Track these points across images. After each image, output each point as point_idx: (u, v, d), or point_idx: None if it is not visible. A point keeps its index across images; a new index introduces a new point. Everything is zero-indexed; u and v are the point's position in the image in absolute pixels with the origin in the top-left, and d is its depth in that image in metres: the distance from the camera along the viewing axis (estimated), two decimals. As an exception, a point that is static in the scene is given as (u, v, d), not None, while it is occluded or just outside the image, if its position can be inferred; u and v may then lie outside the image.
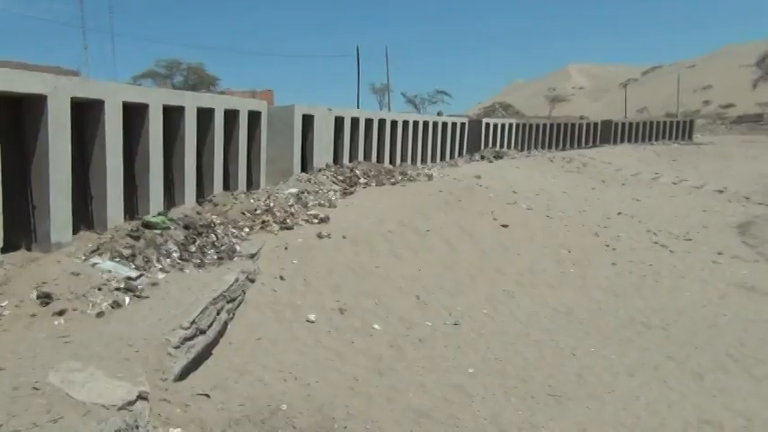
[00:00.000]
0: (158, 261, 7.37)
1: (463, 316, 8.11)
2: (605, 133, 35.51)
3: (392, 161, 19.13)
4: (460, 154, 24.53)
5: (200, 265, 7.64)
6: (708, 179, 25.62)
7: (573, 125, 34.13)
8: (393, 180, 15.78)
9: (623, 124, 37.44)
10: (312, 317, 7.29)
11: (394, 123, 19.40)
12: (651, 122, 39.68)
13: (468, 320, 7.99)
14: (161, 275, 7.03)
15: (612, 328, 8.37)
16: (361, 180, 15.08)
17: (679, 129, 40.08)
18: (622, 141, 35.94)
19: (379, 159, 18.33)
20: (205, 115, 10.75)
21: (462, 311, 8.27)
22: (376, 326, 7.37)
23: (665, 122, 40.41)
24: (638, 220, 15.98)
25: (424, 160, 21.36)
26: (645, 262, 11.88)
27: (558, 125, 32.98)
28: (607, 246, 12.88)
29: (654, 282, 10.73)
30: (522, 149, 28.95)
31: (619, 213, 16.40)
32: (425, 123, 21.66)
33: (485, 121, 27.72)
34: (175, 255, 7.67)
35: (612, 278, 10.77)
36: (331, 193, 13.21)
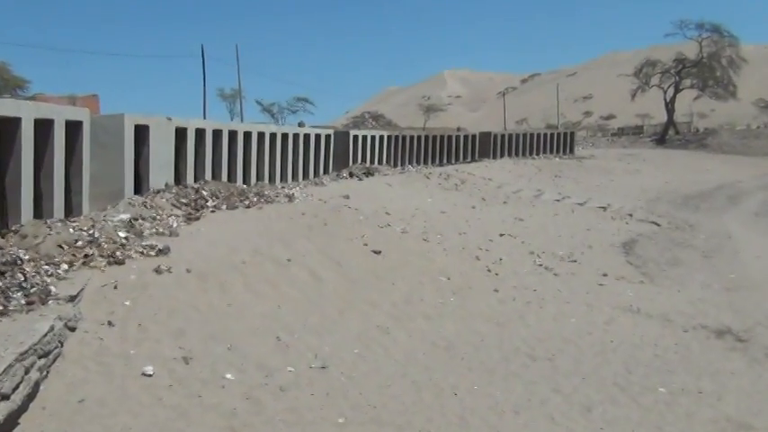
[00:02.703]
0: (-55, 310, 6.74)
1: (331, 357, 8.11)
2: (484, 146, 37.35)
3: (246, 180, 18.90)
4: (326, 171, 24.72)
5: (3, 313, 7.08)
6: (590, 195, 27.65)
7: (450, 138, 35.60)
8: (247, 202, 15.58)
9: (503, 136, 39.62)
10: (149, 369, 6.98)
11: (247, 136, 19.20)
12: (532, 135, 42.34)
13: (337, 362, 8.01)
14: (-51, 328, 6.43)
15: (496, 362, 8.75)
16: (209, 203, 14.76)
17: (560, 142, 43.08)
18: (502, 155, 37.98)
19: (231, 178, 18.05)
20: (7, 126, 10.04)
21: (330, 352, 8.28)
22: (228, 375, 7.18)
23: (545, 135, 43.27)
24: (521, 240, 16.89)
25: (283, 178, 21.29)
26: (528, 287, 12.56)
27: (435, 137, 34.25)
28: (489, 270, 13.48)
29: (538, 308, 11.36)
30: (395, 165, 29.70)
31: (501, 234, 17.23)
32: (284, 136, 21.63)
33: (353, 132, 28.19)
34: (-31, 301, 7.05)
35: (495, 306, 11.27)
36: (172, 218, 12.78)
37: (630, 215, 23.09)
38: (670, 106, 66.52)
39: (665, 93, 67.19)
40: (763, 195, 30.74)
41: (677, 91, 66.59)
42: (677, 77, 66.29)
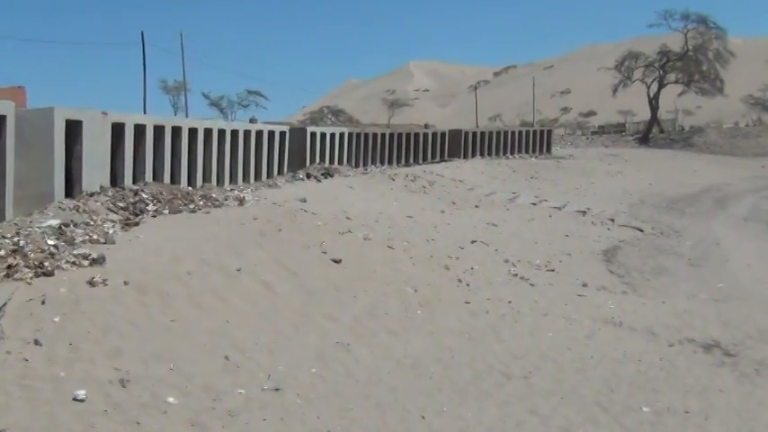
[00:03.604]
0: None
1: (286, 378, 8.06)
2: (455, 145, 37.59)
3: (191, 182, 18.74)
4: (280, 171, 24.62)
5: None
6: (569, 198, 28.00)
7: (417, 135, 35.76)
8: (192, 206, 15.45)
9: (475, 134, 39.93)
10: (81, 394, 6.85)
11: (193, 132, 19.04)
12: (506, 132, 42.77)
13: (292, 383, 7.96)
14: None
15: (468, 381, 8.78)
16: (150, 207, 14.61)
17: (536, 140, 43.57)
18: (474, 155, 38.27)
19: (174, 180, 17.88)
20: None
21: (285, 372, 8.22)
22: (171, 399, 7.09)
23: (521, 133, 43.72)
24: (495, 248, 17.02)
25: (233, 180, 21.14)
26: (503, 298, 12.65)
27: (400, 135, 34.36)
28: (460, 281, 13.54)
29: (513, 321, 11.45)
30: (357, 165, 29.72)
31: (472, 241, 17.34)
32: (234, 133, 21.49)
33: (310, 129, 28.13)
34: None
35: (467, 320, 11.32)
36: (108, 224, 12.61)
37: (612, 220, 23.41)
38: (654, 102, 67.72)
39: (648, 88, 68.35)
40: (753, 198, 31.44)
41: (661, 86, 67.77)
42: (661, 71, 67.46)
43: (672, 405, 8.39)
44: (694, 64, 66.67)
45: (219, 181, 20.22)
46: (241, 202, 17.03)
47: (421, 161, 34.52)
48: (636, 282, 15.29)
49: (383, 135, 33.10)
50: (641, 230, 22.05)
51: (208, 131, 19.83)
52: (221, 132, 20.62)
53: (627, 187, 33.03)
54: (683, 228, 23.07)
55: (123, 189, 15.21)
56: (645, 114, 77.66)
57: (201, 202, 15.91)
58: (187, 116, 49.33)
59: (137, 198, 14.83)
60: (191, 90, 62.28)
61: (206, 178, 19.63)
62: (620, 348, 10.45)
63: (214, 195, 16.93)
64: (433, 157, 35.94)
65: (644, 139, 65.95)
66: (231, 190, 19.22)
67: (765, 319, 12.22)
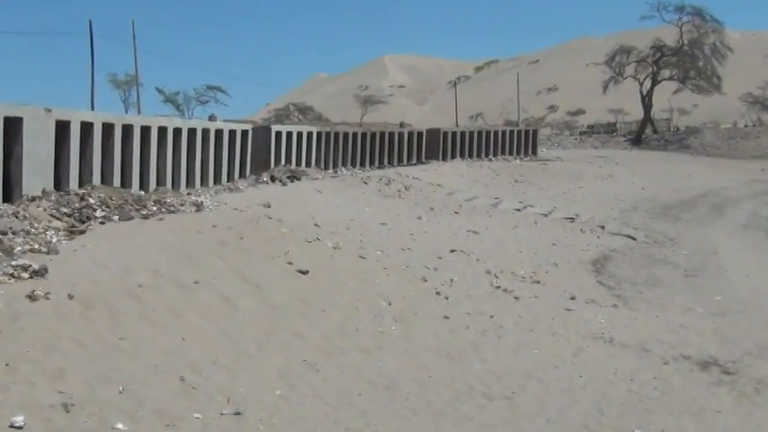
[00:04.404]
0: None
1: (247, 401, 8.01)
2: (433, 146, 37.69)
3: (144, 185, 18.63)
4: (242, 174, 24.53)
5: None
6: (556, 204, 28.20)
7: (392, 135, 35.80)
8: (145, 212, 15.35)
9: (454, 134, 40.06)
10: (19, 420, 6.75)
11: (146, 131, 18.94)
12: (488, 132, 42.97)
13: (254, 407, 7.91)
14: None
15: (446, 403, 8.79)
16: (98, 213, 14.50)
17: (521, 141, 43.84)
18: (454, 156, 38.39)
19: (125, 183, 17.78)
20: None
21: (246, 395, 8.17)
22: (120, 425, 7.01)
23: (504, 133, 43.95)
24: (476, 258, 17.08)
25: (190, 183, 21.04)
26: (485, 313, 12.69)
27: (374, 135, 34.39)
28: (438, 293, 13.57)
29: (496, 338, 11.49)
30: (326, 167, 29.70)
31: (452, 251, 17.38)
32: (192, 132, 21.40)
33: (275, 128, 28.05)
34: None
35: (445, 336, 11.34)
36: (51, 232, 12.48)
37: (602, 227, 23.61)
38: (647, 101, 68.32)
39: (641, 85, 68.95)
40: (752, 204, 31.85)
41: (655, 83, 68.41)
42: (655, 67, 68.12)
43: (666, 427, 8.46)
44: (690, 59, 67.40)
45: (175, 184, 20.10)
46: (199, 207, 16.92)
47: (396, 163, 34.56)
48: (628, 294, 15.42)
49: (355, 135, 33.11)
50: (633, 239, 22.25)
51: (162, 130, 19.72)
52: (177, 131, 20.52)
53: (618, 192, 33.30)
54: (678, 236, 23.33)
55: (68, 193, 15.08)
56: (637, 113, 78.42)
57: (155, 208, 15.80)
58: (139, 113, 48.92)
59: (83, 203, 14.70)
60: (143, 85, 61.93)
61: (160, 181, 19.51)
62: (610, 366, 10.53)
63: (169, 200, 16.81)
64: (410, 158, 36.01)
65: (636, 140, 66.53)
66: (188, 194, 19.10)
67: (766, 333, 12.38)
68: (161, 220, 15.00)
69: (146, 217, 15.10)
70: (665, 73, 69.13)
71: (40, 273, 10.08)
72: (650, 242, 21.97)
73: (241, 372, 8.81)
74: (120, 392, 7.64)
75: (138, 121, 19.12)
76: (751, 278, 17.26)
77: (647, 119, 70.08)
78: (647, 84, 68.53)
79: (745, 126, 75.87)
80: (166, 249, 12.43)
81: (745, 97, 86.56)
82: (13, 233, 11.85)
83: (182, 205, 16.70)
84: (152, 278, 10.81)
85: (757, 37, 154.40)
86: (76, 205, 14.49)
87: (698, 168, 46.72)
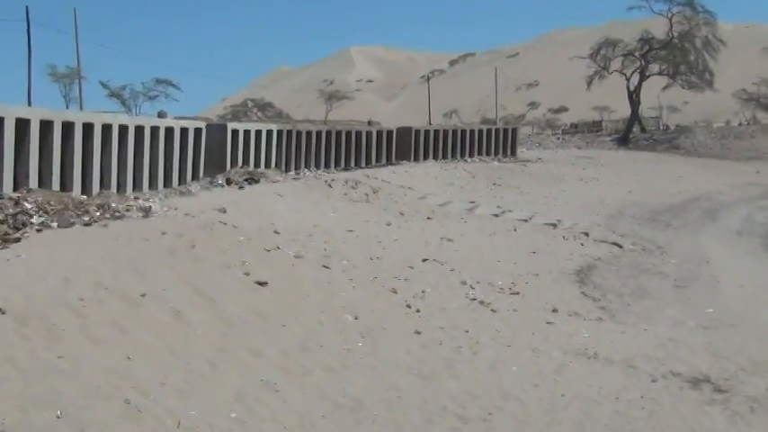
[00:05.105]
0: None
1: (200, 425, 7.96)
2: (404, 146, 37.76)
3: (86, 189, 18.51)
4: (195, 176, 24.40)
5: None
6: (537, 209, 28.35)
7: (360, 134, 35.80)
8: (87, 218, 15.23)
9: (427, 133, 40.17)
10: (-56, 448, 6.66)
11: (88, 129, 18.80)
12: (464, 131, 43.13)
13: (207, 431, 7.87)
14: None
15: (417, 425, 8.78)
16: (35, 219, 14.36)
17: (499, 140, 44.06)
18: (426, 157, 38.49)
19: (65, 186, 17.65)
20: None
21: (198, 419, 8.12)
22: (58, 453, 6.94)
23: (481, 131, 44.16)
24: (450, 267, 17.11)
25: (137, 186, 20.90)
26: (459, 327, 12.71)
27: (339, 133, 34.37)
28: (409, 307, 13.57)
29: (472, 354, 11.51)
30: (287, 169, 29.61)
31: (424, 260, 17.41)
32: (139, 129, 21.28)
33: (232, 126, 27.93)
34: None
35: (417, 352, 11.33)
36: (-19, 240, 12.35)
37: (586, 234, 23.76)
38: (634, 97, 68.97)
39: (627, 80, 69.63)
40: (746, 209, 32.24)
41: (643, 78, 69.10)
42: (643, 61, 68.80)
43: (655, 450, 8.52)
44: (680, 53, 68.07)
45: (120, 188, 19.97)
46: (146, 213, 16.80)
47: (363, 164, 34.56)
48: (614, 306, 15.52)
49: (319, 133, 33.07)
50: (620, 246, 22.41)
51: (107, 128, 19.58)
52: (123, 129, 20.38)
53: (603, 196, 33.55)
54: (668, 243, 23.54)
55: (1, 197, 14.99)
56: (624, 111, 79.15)
57: (98, 214, 15.67)
58: (82, 109, 48.59)
59: (18, 209, 14.58)
60: (86, 78, 61.29)
61: (104, 184, 19.38)
62: (594, 384, 10.59)
63: (114, 205, 16.68)
64: (378, 159, 36.02)
65: (623, 139, 67.10)
66: (135, 199, 18.96)
67: (761, 349, 12.53)
68: (105, 226, 14.87)
69: (88, 223, 14.97)
70: (654, 68, 69.88)
71: (-31, 285, 9.97)
72: (638, 250, 22.14)
73: (192, 393, 8.75)
74: (59, 417, 7.56)
75: (79, 118, 18.96)
76: (745, 289, 17.47)
77: (635, 117, 70.76)
78: (635, 79, 69.16)
79: (740, 125, 76.85)
80: (110, 259, 12.33)
81: (739, 94, 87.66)
82: (-60, 241, 11.71)
83: (128, 210, 16.59)
84: (94, 291, 10.72)
85: (751, 30, 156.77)
86: (10, 211, 14.35)
87: (689, 170, 47.21)
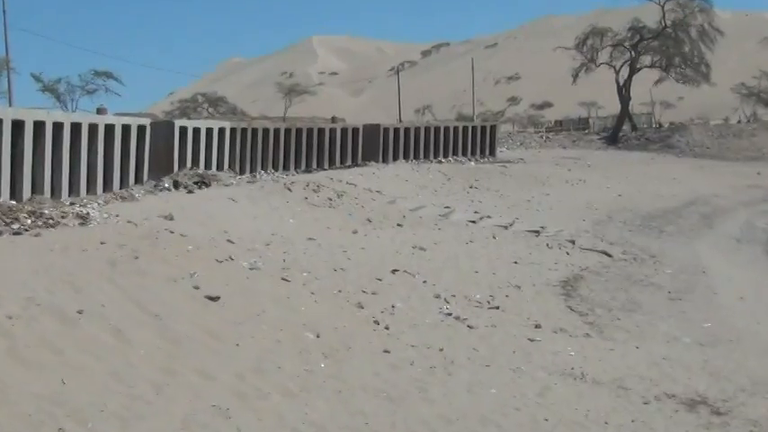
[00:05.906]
0: None
1: (143, 457, 7.91)
2: (371, 145, 37.77)
3: (15, 194, 18.36)
4: (138, 179, 24.25)
5: None
6: (518, 214, 28.47)
7: (322, 132, 35.80)
8: (17, 226, 15.12)
9: (397, 131, 40.21)
10: None
11: (18, 126, 18.66)
12: (438, 129, 43.24)
13: (151, 464, 7.81)
14: None
15: (386, 455, 8.77)
16: (-43, 227, 14.24)
17: (477, 139, 44.24)
18: (396, 158, 38.56)
19: (-8, 190, 17.46)
20: None
21: (142, 449, 8.06)
22: (-17, 490, 6.86)
23: (456, 129, 44.29)
24: (423, 279, 17.13)
25: (74, 191, 20.75)
26: (433, 345, 12.70)
27: (300, 131, 34.35)
28: (377, 323, 13.55)
29: (446, 375, 11.50)
30: (242, 171, 29.54)
31: (394, 271, 17.41)
32: (76, 127, 21.14)
33: (180, 123, 27.86)
34: None
35: (385, 374, 11.31)
36: None
37: (572, 242, 23.89)
38: (624, 92, 69.49)
39: (617, 73, 70.16)
40: (746, 214, 32.58)
41: (633, 71, 69.62)
42: (633, 53, 69.32)
43: (647, 480, 8.57)
44: (674, 44, 68.68)
45: (55, 192, 19.82)
46: (84, 220, 16.68)
47: (327, 166, 34.56)
48: (602, 321, 15.60)
49: (277, 131, 33.00)
50: (609, 255, 22.53)
51: (39, 125, 19.43)
52: (58, 127, 20.23)
53: (591, 200, 33.72)
54: (662, 252, 23.70)
55: None
56: (613, 107, 79.84)
57: (29, 221, 15.57)
58: (11, 104, 48.14)
59: (-62, 216, 14.43)
60: (16, 70, 60.72)
61: (36, 189, 19.22)
62: (581, 408, 10.63)
63: (47, 212, 16.55)
64: (343, 160, 36.02)
65: (612, 138, 67.55)
66: (71, 204, 18.81)
67: (762, 367, 12.64)
68: (37, 236, 14.74)
69: (17, 232, 14.85)
70: (646, 59, 70.48)
71: None
72: (629, 259, 22.28)
73: (135, 420, 8.68)
74: (-16, 449, 7.48)
75: (8, 115, 18.80)
76: (745, 301, 17.63)
77: (625, 113, 71.30)
78: (625, 72, 69.65)
79: (739, 122, 77.85)
80: (43, 272, 12.22)
81: (737, 89, 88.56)
82: None
83: (63, 218, 16.46)
84: (25, 308, 10.61)
85: (751, 18, 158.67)
86: (-70, 218, 14.24)
87: (684, 172, 47.61)
